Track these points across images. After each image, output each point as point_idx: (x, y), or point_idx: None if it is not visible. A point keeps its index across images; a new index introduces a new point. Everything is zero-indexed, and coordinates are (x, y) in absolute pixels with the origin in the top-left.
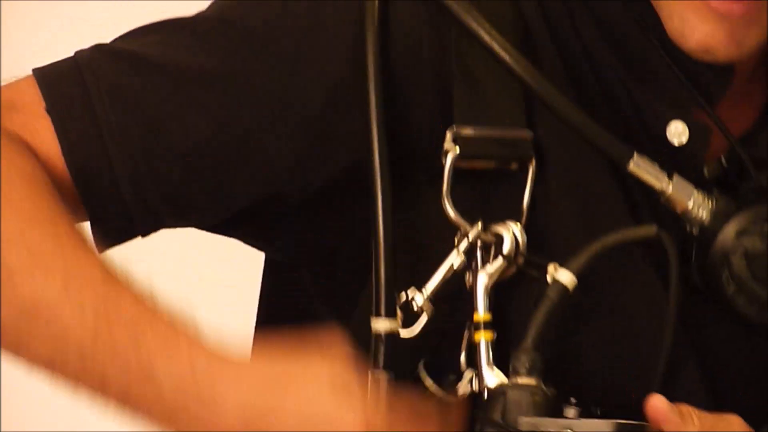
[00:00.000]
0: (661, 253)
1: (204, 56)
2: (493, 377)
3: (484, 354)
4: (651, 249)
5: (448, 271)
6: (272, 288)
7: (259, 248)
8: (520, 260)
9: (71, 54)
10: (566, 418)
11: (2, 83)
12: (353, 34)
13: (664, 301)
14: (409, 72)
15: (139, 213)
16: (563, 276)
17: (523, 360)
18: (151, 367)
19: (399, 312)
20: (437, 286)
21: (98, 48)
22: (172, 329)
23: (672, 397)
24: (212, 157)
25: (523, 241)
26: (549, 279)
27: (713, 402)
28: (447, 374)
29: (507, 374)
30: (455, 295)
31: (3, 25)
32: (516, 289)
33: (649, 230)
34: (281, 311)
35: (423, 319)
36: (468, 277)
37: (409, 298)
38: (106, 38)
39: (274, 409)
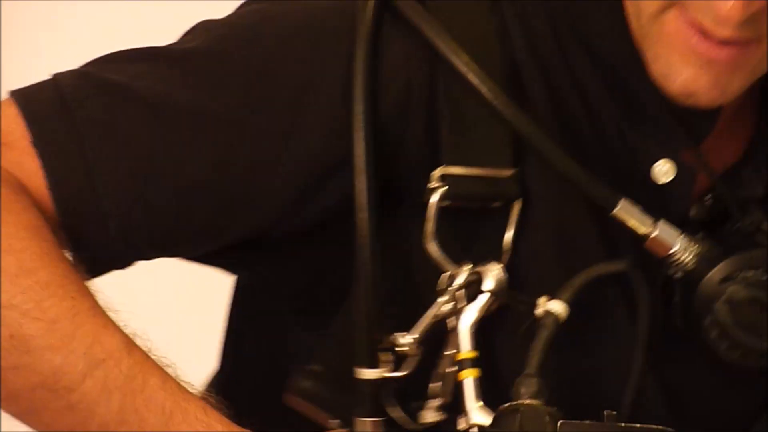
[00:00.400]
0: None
1: (198, 94)
2: (480, 414)
3: (472, 391)
4: (628, 288)
5: (437, 314)
6: (243, 300)
7: (233, 273)
8: (503, 297)
9: (57, 67)
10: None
11: (3, 84)
12: (346, 71)
13: (634, 337)
14: (399, 111)
15: (123, 250)
16: (556, 306)
17: (527, 384)
18: None
19: (386, 354)
20: (425, 329)
21: (83, 77)
22: (204, 413)
23: None
24: (205, 199)
25: (504, 280)
26: (540, 311)
27: None
28: (410, 402)
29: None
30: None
31: (3, 25)
32: (497, 325)
33: (619, 265)
34: (251, 322)
35: (411, 362)
36: (450, 315)
37: (398, 342)
38: (106, 39)
39: None
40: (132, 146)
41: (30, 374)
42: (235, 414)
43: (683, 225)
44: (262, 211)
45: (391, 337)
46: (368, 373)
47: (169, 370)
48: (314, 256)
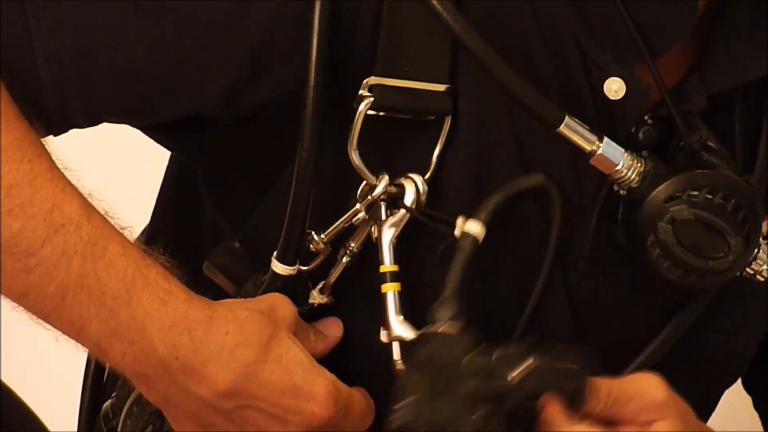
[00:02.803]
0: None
1: None
2: (401, 327)
3: (393, 304)
4: (545, 203)
5: (347, 219)
6: (172, 186)
7: (165, 146)
8: (422, 213)
9: None
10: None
11: None
12: None
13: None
14: (350, 16)
15: (57, 118)
16: (473, 227)
17: (445, 309)
18: (145, 319)
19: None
20: (334, 232)
21: None
22: (165, 280)
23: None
24: (143, 78)
25: (424, 193)
26: (458, 231)
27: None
28: None
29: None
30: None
31: None
32: (420, 241)
33: (537, 179)
34: (178, 214)
35: (319, 259)
36: (373, 226)
37: (311, 238)
38: None
39: (259, 361)
40: (73, 19)
41: None
42: None
43: (630, 144)
44: (193, 97)
45: (308, 235)
46: (282, 268)
47: (126, 233)
48: (246, 144)
